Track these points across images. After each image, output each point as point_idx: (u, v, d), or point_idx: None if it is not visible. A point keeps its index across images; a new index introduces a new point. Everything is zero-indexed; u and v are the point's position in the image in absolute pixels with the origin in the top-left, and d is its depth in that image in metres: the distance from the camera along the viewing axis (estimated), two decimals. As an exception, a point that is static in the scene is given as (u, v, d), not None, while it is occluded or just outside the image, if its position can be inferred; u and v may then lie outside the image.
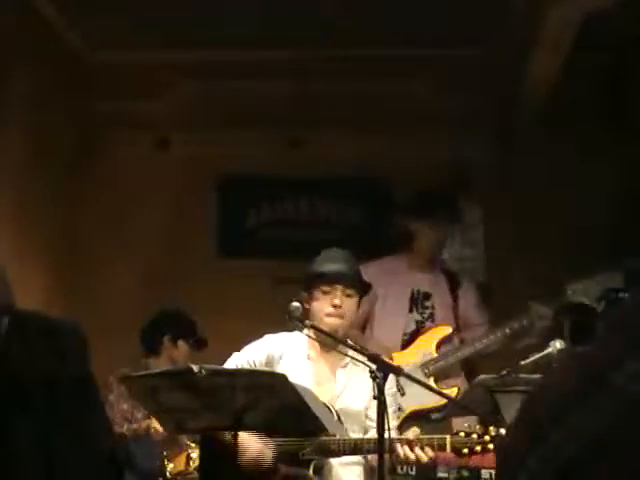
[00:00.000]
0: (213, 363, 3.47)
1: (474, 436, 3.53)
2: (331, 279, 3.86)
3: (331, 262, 3.91)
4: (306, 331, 3.85)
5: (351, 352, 3.72)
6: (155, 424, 4.83)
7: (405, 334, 5.09)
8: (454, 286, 5.21)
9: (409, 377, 3.65)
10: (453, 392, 4.71)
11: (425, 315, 5.15)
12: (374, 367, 3.27)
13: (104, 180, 6.59)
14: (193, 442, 4.63)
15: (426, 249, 5.17)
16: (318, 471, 3.63)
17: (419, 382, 3.83)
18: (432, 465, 3.66)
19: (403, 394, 3.65)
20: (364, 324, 5.15)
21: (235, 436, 3.38)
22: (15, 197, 5.63)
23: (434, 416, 4.71)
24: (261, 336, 3.98)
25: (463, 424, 3.76)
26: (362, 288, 3.97)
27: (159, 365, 5.13)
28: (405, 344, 5.05)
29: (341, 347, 3.81)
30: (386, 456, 3.30)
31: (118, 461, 2.44)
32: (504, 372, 3.85)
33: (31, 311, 2.46)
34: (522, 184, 6.18)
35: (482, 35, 5.79)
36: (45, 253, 6.06)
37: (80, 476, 2.18)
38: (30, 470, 2.08)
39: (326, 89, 6.27)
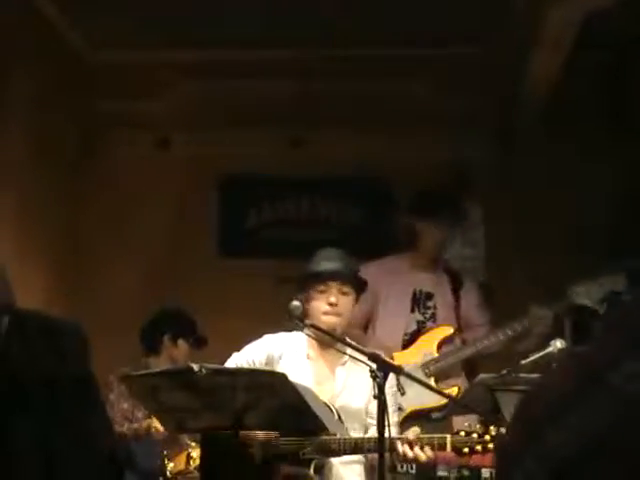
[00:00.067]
0: (214, 363, 3.48)
1: (474, 435, 3.53)
2: (325, 278, 3.88)
3: (325, 261, 3.92)
4: (306, 330, 3.86)
5: (350, 350, 3.73)
6: (156, 423, 4.83)
7: (406, 334, 5.08)
8: (457, 286, 5.20)
9: (409, 376, 3.66)
10: (453, 392, 4.71)
11: (427, 315, 5.14)
12: (374, 366, 3.28)
13: (105, 180, 6.60)
14: (193, 441, 4.64)
15: (430, 249, 5.15)
16: (319, 470, 3.63)
17: (419, 381, 3.84)
18: (432, 464, 3.66)
19: (403, 393, 3.66)
20: (366, 324, 5.14)
21: (236, 435, 3.39)
22: (17, 196, 5.64)
23: (434, 415, 4.72)
24: (261, 336, 3.99)
25: (463, 423, 3.76)
26: (358, 285, 3.98)
27: (159, 364, 5.13)
28: (406, 344, 5.04)
29: (340, 345, 3.82)
30: (386, 455, 3.31)
31: (118, 461, 2.44)
32: (504, 371, 3.86)
33: (32, 310, 2.46)
34: (522, 184, 6.18)
35: (482, 35, 5.79)
36: (46, 252, 6.06)
37: (80, 476, 2.18)
38: (30, 470, 2.09)
39: (327, 89, 6.28)
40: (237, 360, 3.89)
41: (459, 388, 4.77)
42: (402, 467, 3.75)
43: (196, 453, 4.60)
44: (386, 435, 3.17)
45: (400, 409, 4.23)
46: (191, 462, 4.69)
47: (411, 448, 3.52)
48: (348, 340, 3.86)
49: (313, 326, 3.77)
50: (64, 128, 6.26)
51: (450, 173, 6.13)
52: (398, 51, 6.00)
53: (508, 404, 3.70)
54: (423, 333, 5.05)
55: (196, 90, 6.50)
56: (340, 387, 3.89)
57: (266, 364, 3.87)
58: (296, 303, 3.67)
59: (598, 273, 4.62)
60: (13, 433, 2.10)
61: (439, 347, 4.96)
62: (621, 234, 5.49)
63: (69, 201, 6.46)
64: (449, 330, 5.02)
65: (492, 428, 3.54)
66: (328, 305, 3.86)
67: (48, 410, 2.14)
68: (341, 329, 3.90)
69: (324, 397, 3.69)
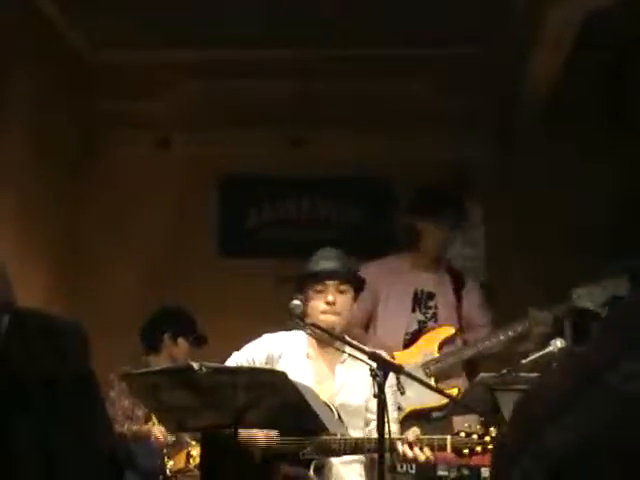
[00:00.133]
0: (214, 362, 3.48)
1: (474, 437, 3.54)
2: (322, 277, 3.89)
3: (322, 261, 3.94)
4: (306, 329, 3.87)
5: (350, 349, 3.74)
6: (156, 431, 4.85)
7: (407, 334, 5.06)
8: (459, 286, 5.18)
9: (409, 375, 3.65)
10: (453, 392, 4.70)
11: (428, 315, 5.12)
12: (374, 365, 3.28)
13: (105, 179, 6.60)
14: (193, 440, 4.65)
15: (432, 248, 5.14)
16: (319, 470, 3.64)
17: (419, 380, 3.84)
18: (432, 463, 3.67)
19: (403, 393, 3.66)
20: (367, 323, 5.14)
21: (236, 434, 3.39)
22: (17, 196, 5.64)
23: (434, 415, 4.72)
24: (260, 335, 3.99)
25: (463, 424, 3.76)
26: (356, 283, 3.99)
27: (159, 363, 5.14)
28: (407, 344, 5.02)
29: (339, 344, 3.83)
30: (386, 454, 3.31)
31: (118, 460, 2.44)
32: (504, 371, 3.86)
33: (32, 309, 2.46)
34: (522, 184, 6.18)
35: (482, 35, 5.79)
36: (46, 252, 6.06)
37: (81, 476, 2.18)
38: (30, 470, 2.09)
39: (327, 89, 6.28)
40: (237, 359, 3.90)
41: (459, 389, 4.76)
42: (402, 467, 3.76)
43: (196, 451, 4.62)
44: (386, 435, 3.17)
45: (400, 409, 4.23)
46: (191, 460, 4.70)
47: (411, 449, 3.53)
48: (348, 339, 3.87)
49: (313, 325, 3.78)
50: (64, 128, 6.27)
51: (450, 173, 6.12)
52: (398, 51, 6.01)
53: (508, 404, 3.69)
54: (424, 333, 5.04)
55: (196, 90, 6.50)
56: (340, 385, 3.90)
57: (266, 363, 3.88)
58: (296, 302, 3.69)
59: (600, 275, 4.62)
60: (13, 433, 2.10)
61: (440, 347, 4.95)
62: (621, 234, 5.49)
63: (69, 201, 6.46)
64: (450, 330, 5.01)
65: (492, 429, 3.55)
66: (326, 304, 3.87)
67: (48, 410, 2.14)
68: (340, 328, 3.90)
69: (324, 396, 3.69)
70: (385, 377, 3.26)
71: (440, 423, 4.59)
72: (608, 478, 1.28)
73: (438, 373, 4.87)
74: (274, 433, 3.67)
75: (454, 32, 5.79)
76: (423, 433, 3.65)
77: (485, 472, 3.76)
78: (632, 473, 1.27)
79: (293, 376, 3.35)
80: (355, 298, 3.99)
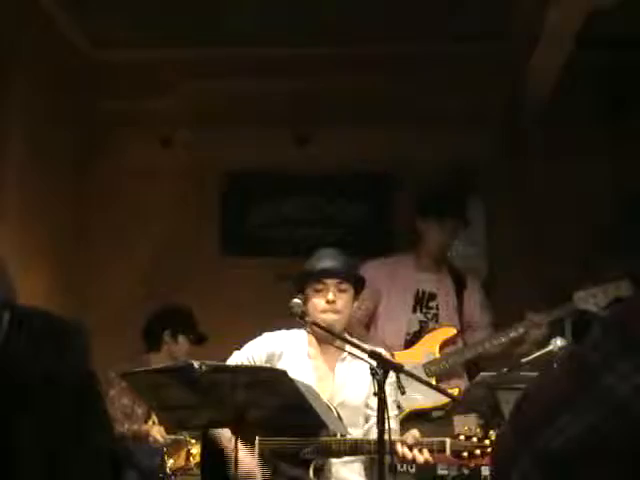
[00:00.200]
0: (215, 361, 3.48)
1: (474, 439, 3.54)
2: (321, 275, 3.90)
3: (321, 260, 3.95)
4: (307, 328, 3.87)
5: (351, 347, 3.74)
6: (155, 433, 4.85)
7: (408, 334, 5.05)
8: (460, 287, 5.18)
9: (409, 374, 3.66)
10: (454, 393, 4.70)
11: (429, 315, 5.11)
12: (374, 364, 3.29)
13: (107, 179, 6.60)
14: (193, 438, 4.65)
15: (434, 249, 5.13)
16: (318, 470, 3.65)
17: (419, 379, 3.84)
18: (432, 463, 3.67)
19: (404, 393, 3.66)
20: (369, 323, 5.14)
21: (236, 433, 3.40)
22: (19, 196, 5.65)
23: (434, 414, 4.71)
24: (261, 334, 4.00)
25: (463, 427, 3.76)
26: (356, 282, 4.00)
27: (160, 361, 5.13)
28: (408, 344, 5.01)
29: (339, 342, 3.83)
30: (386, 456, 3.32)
31: (118, 459, 2.44)
32: (505, 370, 3.87)
33: (33, 308, 2.46)
34: (522, 184, 6.18)
35: (482, 35, 5.79)
36: (48, 251, 6.07)
37: (81, 475, 2.19)
38: (31, 469, 2.10)
39: (329, 87, 6.28)
40: (238, 358, 3.90)
41: (460, 390, 4.76)
42: (402, 466, 3.77)
43: (196, 449, 4.62)
44: (386, 433, 3.18)
45: (399, 408, 4.23)
46: (191, 458, 4.71)
47: (410, 451, 3.53)
48: (348, 337, 3.88)
49: (314, 324, 3.78)
50: (65, 127, 6.27)
51: (452, 172, 6.12)
52: (399, 49, 6.01)
53: (509, 403, 3.70)
54: (425, 333, 5.04)
55: (198, 89, 6.50)
56: (340, 383, 3.91)
57: (266, 362, 3.88)
58: (297, 301, 3.70)
59: (601, 277, 4.63)
60: (13, 432, 2.11)
61: (441, 348, 4.94)
62: (621, 234, 5.49)
63: (70, 200, 6.46)
64: (452, 331, 5.00)
65: (492, 432, 3.55)
66: (326, 303, 3.88)
67: (48, 409, 2.15)
68: (340, 326, 3.91)
69: (324, 394, 3.70)
70: (385, 376, 3.27)
71: (441, 423, 4.59)
72: (607, 478, 1.28)
73: (439, 374, 4.86)
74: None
75: (454, 32, 5.79)
76: (424, 433, 3.65)
77: (485, 471, 3.77)
78: (630, 472, 1.27)
79: (294, 375, 3.35)
80: (356, 297, 4.00)
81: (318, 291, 3.90)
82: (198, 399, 3.34)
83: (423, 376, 4.67)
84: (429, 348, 4.93)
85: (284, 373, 3.31)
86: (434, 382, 4.77)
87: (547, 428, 1.31)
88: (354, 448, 3.63)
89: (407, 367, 3.69)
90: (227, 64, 6.26)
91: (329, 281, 3.90)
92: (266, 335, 3.99)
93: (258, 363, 3.87)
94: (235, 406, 3.33)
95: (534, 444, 1.32)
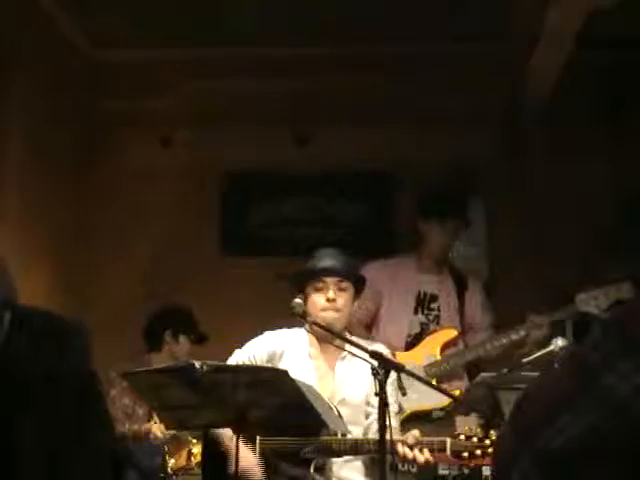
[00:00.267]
0: (216, 360, 3.48)
1: (474, 439, 3.54)
2: (321, 274, 3.91)
3: (321, 259, 3.96)
4: (308, 327, 3.88)
5: (352, 347, 3.74)
6: (154, 430, 4.85)
7: (409, 335, 5.03)
8: (462, 289, 5.17)
9: (410, 373, 3.65)
10: (455, 394, 4.70)
11: (430, 317, 5.10)
12: (375, 364, 3.29)
13: (107, 179, 6.60)
14: (194, 438, 4.66)
15: (435, 250, 5.11)
16: (319, 470, 3.65)
17: (420, 379, 3.83)
18: (433, 463, 3.67)
19: (405, 394, 3.66)
20: (370, 324, 5.14)
21: (237, 433, 3.40)
22: (19, 196, 5.65)
23: (435, 414, 4.71)
24: (262, 333, 4.00)
25: (464, 427, 3.76)
26: (356, 280, 4.00)
27: (161, 361, 5.13)
28: (409, 346, 5.00)
29: (340, 341, 3.83)
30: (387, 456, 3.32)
31: (119, 459, 2.45)
32: (505, 370, 3.87)
33: (33, 308, 2.46)
34: (523, 184, 6.18)
35: (482, 35, 5.80)
36: (49, 252, 6.07)
37: (82, 474, 2.19)
38: (31, 469, 2.10)
39: (329, 87, 6.28)
40: (239, 357, 3.91)
41: (461, 391, 4.75)
42: (403, 466, 3.77)
43: (197, 449, 4.63)
44: (387, 435, 3.18)
45: (400, 408, 4.23)
46: (192, 458, 4.71)
47: (410, 450, 3.54)
48: (348, 336, 3.88)
49: (315, 323, 3.79)
50: (66, 127, 6.27)
51: (452, 173, 6.12)
52: (399, 49, 6.02)
53: (509, 403, 3.70)
54: (427, 335, 5.03)
55: (198, 89, 6.50)
56: (340, 381, 3.91)
57: (268, 361, 3.88)
58: (298, 301, 3.70)
59: (602, 279, 4.63)
60: (14, 432, 2.11)
61: (442, 350, 4.93)
62: (621, 234, 5.49)
63: (70, 200, 6.46)
64: (453, 333, 4.99)
65: (492, 432, 3.55)
66: (326, 301, 3.89)
67: (49, 408, 2.15)
68: (340, 324, 3.92)
69: (325, 392, 3.71)
70: (386, 375, 3.27)
71: (442, 423, 4.58)
72: (607, 478, 1.28)
73: (440, 375, 4.86)
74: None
75: (454, 32, 5.79)
76: (425, 434, 3.65)
77: (486, 471, 3.77)
78: (630, 472, 1.28)
79: (295, 374, 3.35)
80: (356, 297, 4.00)
81: (318, 289, 3.91)
82: (199, 399, 3.34)
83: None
84: (430, 350, 4.92)
85: (285, 373, 3.31)
86: (435, 383, 4.76)
87: (547, 428, 1.31)
88: (355, 448, 3.63)
89: (408, 368, 3.69)
90: (227, 64, 6.26)
91: (329, 279, 3.90)
92: (267, 334, 3.99)
93: (259, 362, 3.87)
94: (236, 406, 3.33)
95: (534, 444, 1.32)
